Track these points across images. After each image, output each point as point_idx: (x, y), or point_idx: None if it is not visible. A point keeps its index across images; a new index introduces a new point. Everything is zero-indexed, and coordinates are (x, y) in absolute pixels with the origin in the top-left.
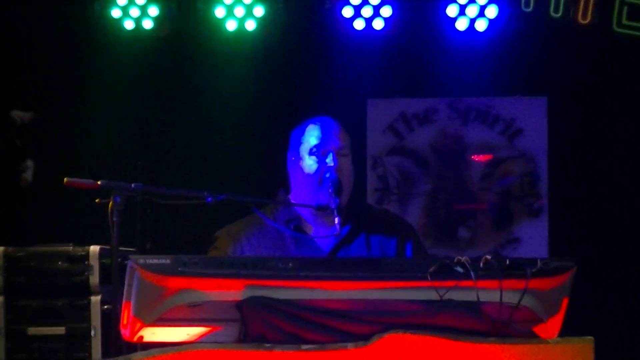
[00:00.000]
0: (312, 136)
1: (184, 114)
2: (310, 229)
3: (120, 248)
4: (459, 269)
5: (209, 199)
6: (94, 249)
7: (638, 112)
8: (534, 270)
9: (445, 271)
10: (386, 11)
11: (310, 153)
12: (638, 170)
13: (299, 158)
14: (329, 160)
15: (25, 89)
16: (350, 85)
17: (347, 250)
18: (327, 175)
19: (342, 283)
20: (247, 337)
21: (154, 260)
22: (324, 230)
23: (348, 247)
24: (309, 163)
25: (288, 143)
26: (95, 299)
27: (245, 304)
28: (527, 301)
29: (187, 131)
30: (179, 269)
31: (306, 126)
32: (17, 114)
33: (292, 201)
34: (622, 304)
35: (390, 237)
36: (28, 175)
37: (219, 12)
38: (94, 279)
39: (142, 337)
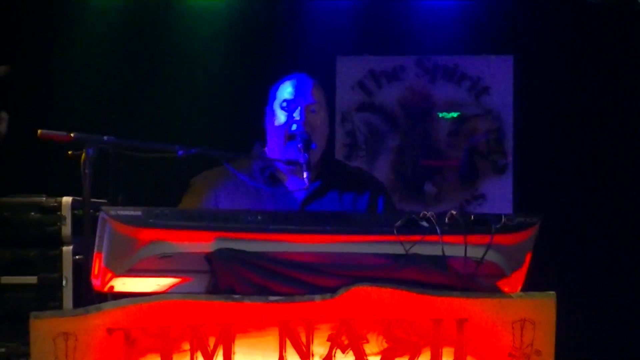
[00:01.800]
0: (285, 91)
1: (159, 70)
2: (285, 178)
3: (92, 200)
4: (425, 224)
5: (181, 152)
6: (66, 200)
7: (602, 71)
8: (498, 225)
9: (412, 226)
10: None
11: (282, 107)
12: (601, 128)
13: (272, 112)
14: (296, 114)
15: (0, 43)
16: (320, 42)
17: (319, 204)
18: (294, 128)
19: (311, 236)
20: (217, 288)
21: (125, 212)
22: (297, 182)
23: (320, 200)
24: (280, 116)
25: (265, 98)
26: (67, 249)
27: (214, 256)
28: (491, 256)
29: (161, 86)
30: (150, 220)
31: (282, 82)
32: None
33: (268, 154)
34: (584, 259)
35: (362, 193)
36: (2, 127)
37: None
38: (66, 229)
39: (112, 287)
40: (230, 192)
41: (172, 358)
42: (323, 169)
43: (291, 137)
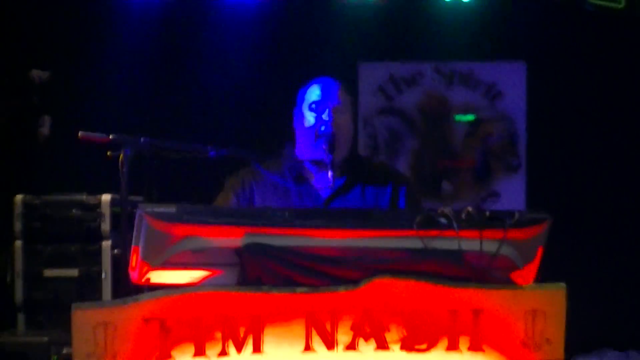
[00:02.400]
0: (313, 94)
1: (193, 74)
2: (311, 177)
3: (130, 197)
4: (443, 220)
5: (212, 152)
6: (106, 197)
7: (609, 76)
8: (511, 221)
9: (430, 222)
10: None
11: (310, 109)
12: (608, 131)
13: (301, 114)
14: (325, 115)
15: (43, 50)
16: (344, 49)
17: (343, 200)
18: (323, 128)
19: (334, 231)
20: (246, 280)
21: (160, 209)
22: (323, 179)
23: (344, 197)
24: (308, 118)
25: (294, 100)
26: (106, 244)
27: (244, 250)
28: (505, 250)
29: (194, 89)
30: (184, 217)
31: (310, 85)
32: (36, 73)
33: (297, 153)
34: (593, 252)
35: (384, 186)
36: (45, 129)
37: None
38: (105, 225)
39: (149, 279)
40: (260, 190)
41: (205, 347)
42: (347, 166)
43: (319, 137)
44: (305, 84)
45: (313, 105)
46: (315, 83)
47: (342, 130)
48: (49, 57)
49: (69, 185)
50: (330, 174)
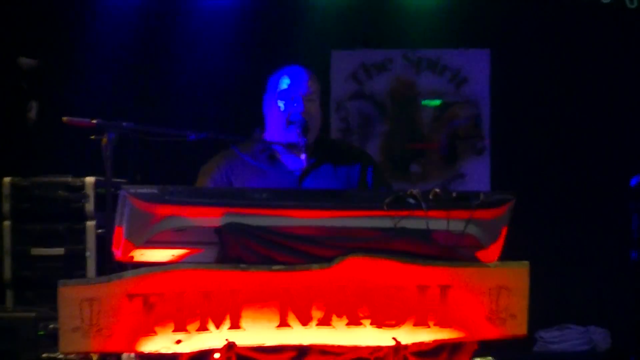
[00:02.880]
0: (283, 82)
1: (173, 62)
2: (281, 157)
3: (113, 179)
4: (412, 201)
5: (192, 136)
6: (90, 179)
7: (568, 61)
8: (477, 202)
9: (400, 202)
10: None
11: (281, 97)
12: (569, 113)
13: (272, 101)
14: (295, 103)
15: (31, 39)
16: (317, 38)
17: (315, 177)
18: (293, 115)
19: (310, 212)
20: (225, 258)
21: (143, 190)
22: (293, 160)
23: (315, 172)
24: (280, 105)
25: (265, 87)
26: (91, 223)
27: (224, 229)
28: (471, 229)
29: (173, 76)
30: (166, 197)
31: (280, 74)
32: (24, 61)
33: (266, 138)
34: (555, 232)
35: (353, 165)
36: (33, 114)
37: None
38: (90, 206)
39: (132, 257)
40: (236, 172)
41: (185, 323)
42: (317, 148)
43: (291, 123)
44: (276, 73)
45: (284, 94)
46: (286, 72)
47: (312, 117)
48: (37, 45)
49: (55, 168)
50: (303, 155)
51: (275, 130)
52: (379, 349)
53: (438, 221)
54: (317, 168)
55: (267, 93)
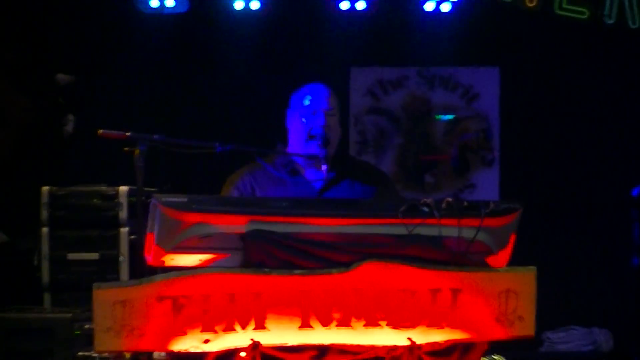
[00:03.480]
0: (306, 99)
1: (200, 77)
2: (302, 171)
3: (145, 188)
4: (425, 209)
5: (219, 148)
6: (123, 189)
7: (574, 79)
8: (487, 210)
9: (414, 210)
10: None
11: (303, 112)
12: (574, 127)
13: (295, 116)
14: (316, 118)
15: (68, 56)
16: (337, 55)
17: (335, 191)
18: (315, 129)
19: (328, 219)
20: (249, 263)
21: (173, 199)
22: (314, 173)
23: (335, 188)
24: (302, 120)
25: (288, 103)
26: (124, 230)
27: (247, 236)
28: (481, 236)
29: (201, 91)
30: (194, 206)
31: (302, 91)
32: (61, 77)
33: (290, 151)
34: (561, 239)
35: (370, 183)
36: (69, 127)
37: None
38: (123, 213)
39: (162, 262)
40: (260, 181)
41: (213, 324)
42: (336, 162)
43: (312, 137)
44: (299, 90)
45: (306, 109)
46: (308, 89)
47: (332, 131)
48: (73, 63)
49: (90, 177)
50: (324, 167)
51: (297, 144)
52: (394, 348)
53: (450, 228)
54: (336, 184)
55: (290, 109)
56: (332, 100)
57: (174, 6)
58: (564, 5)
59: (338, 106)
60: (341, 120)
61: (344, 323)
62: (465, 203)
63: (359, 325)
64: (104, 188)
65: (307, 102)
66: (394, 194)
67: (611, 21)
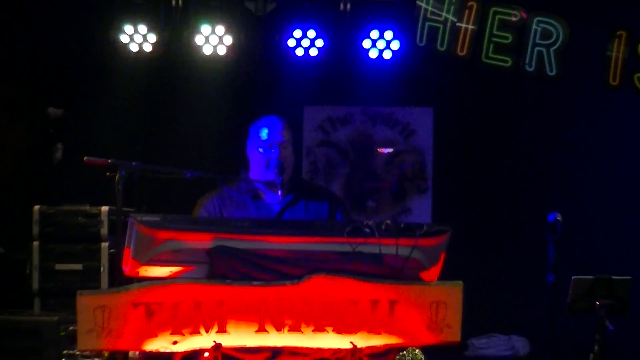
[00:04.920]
0: (262, 131)
1: (173, 112)
2: (263, 195)
3: (123, 208)
4: (367, 230)
5: (188, 174)
6: (105, 208)
7: (498, 119)
8: (421, 232)
9: (357, 231)
10: (319, 42)
11: (261, 145)
12: (497, 160)
13: (253, 146)
14: (272, 149)
15: (57, 92)
16: (293, 95)
17: (292, 212)
18: (271, 159)
19: (283, 238)
20: (213, 275)
21: (147, 218)
22: (272, 196)
23: (292, 209)
24: (260, 151)
25: (247, 134)
26: (104, 244)
27: (212, 251)
28: (416, 254)
29: (174, 124)
30: (166, 224)
31: (259, 123)
32: (51, 110)
33: (250, 177)
34: (485, 257)
35: (322, 203)
36: (58, 154)
37: (199, 39)
38: (104, 230)
39: (137, 272)
40: (224, 204)
41: (181, 327)
42: (292, 186)
43: (268, 166)
44: (257, 122)
45: (264, 142)
46: (264, 122)
47: (287, 160)
48: (62, 98)
49: (76, 198)
50: (280, 192)
51: (257, 171)
52: (339, 351)
53: (388, 247)
54: (293, 205)
55: (249, 139)
56: (285, 132)
57: (151, 50)
58: (490, 55)
59: (291, 137)
60: (294, 147)
61: (295, 328)
62: (402, 225)
63: (308, 330)
64: (87, 207)
65: (264, 136)
66: (346, 211)
67: (531, 69)
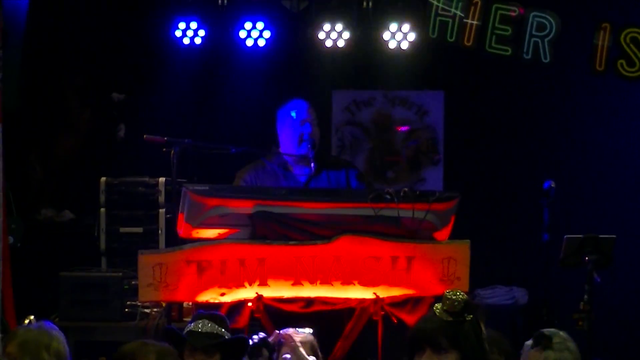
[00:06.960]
0: (292, 111)
1: (219, 96)
2: (291, 168)
3: (178, 179)
4: (387, 197)
5: (233, 150)
6: (162, 179)
7: (502, 101)
8: (434, 198)
9: (379, 197)
10: (345, 35)
11: (292, 121)
12: (500, 135)
13: (284, 124)
14: (303, 126)
15: (120, 79)
16: (322, 80)
17: (316, 181)
18: (303, 135)
19: (315, 204)
20: (255, 236)
21: (198, 187)
22: (301, 169)
23: (316, 179)
24: (292, 127)
25: (276, 115)
26: (162, 211)
27: (254, 216)
28: (429, 217)
29: (220, 107)
30: (214, 192)
31: (288, 104)
32: (115, 95)
33: (282, 151)
34: (489, 219)
35: (339, 170)
36: (121, 133)
37: (242, 33)
38: (161, 198)
39: (190, 234)
40: (260, 175)
41: (227, 283)
42: (317, 158)
43: (303, 141)
44: (286, 104)
45: (294, 120)
46: (293, 103)
47: (316, 136)
48: (125, 84)
49: (137, 171)
50: (312, 165)
51: (289, 146)
52: (363, 300)
53: (406, 211)
54: (316, 175)
55: (279, 119)
56: (310, 111)
57: (201, 42)
58: (493, 45)
59: (316, 116)
60: (320, 126)
61: (326, 282)
62: (418, 192)
63: (337, 283)
64: (147, 179)
65: (294, 115)
66: (360, 176)
67: (528, 57)
